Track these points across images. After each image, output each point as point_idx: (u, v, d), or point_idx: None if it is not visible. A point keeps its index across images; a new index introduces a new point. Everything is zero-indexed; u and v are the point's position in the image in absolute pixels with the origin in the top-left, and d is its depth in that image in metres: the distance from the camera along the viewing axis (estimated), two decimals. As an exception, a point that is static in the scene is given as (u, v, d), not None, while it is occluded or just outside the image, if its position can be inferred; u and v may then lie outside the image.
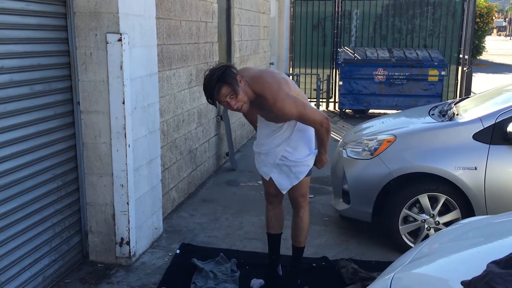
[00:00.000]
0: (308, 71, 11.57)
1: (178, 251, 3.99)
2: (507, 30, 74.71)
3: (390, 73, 9.85)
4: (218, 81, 2.76)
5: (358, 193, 4.14)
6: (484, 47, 25.59)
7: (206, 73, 2.85)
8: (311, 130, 3.26)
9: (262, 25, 8.94)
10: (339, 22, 11.49)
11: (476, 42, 21.77)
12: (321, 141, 3.20)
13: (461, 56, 11.22)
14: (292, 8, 11.76)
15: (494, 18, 27.27)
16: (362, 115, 10.04)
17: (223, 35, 6.68)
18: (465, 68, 10.83)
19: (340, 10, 11.45)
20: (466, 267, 1.83)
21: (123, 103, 3.52)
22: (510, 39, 63.49)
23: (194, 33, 5.31)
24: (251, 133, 8.27)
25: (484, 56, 27.62)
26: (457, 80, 11.22)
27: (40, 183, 3.30)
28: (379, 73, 9.88)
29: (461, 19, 11.14)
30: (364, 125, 4.98)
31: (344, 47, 10.92)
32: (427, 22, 11.32)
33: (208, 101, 2.90)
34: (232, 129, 6.87)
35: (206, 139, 5.95)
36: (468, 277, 1.61)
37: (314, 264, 3.80)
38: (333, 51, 11.55)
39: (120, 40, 3.43)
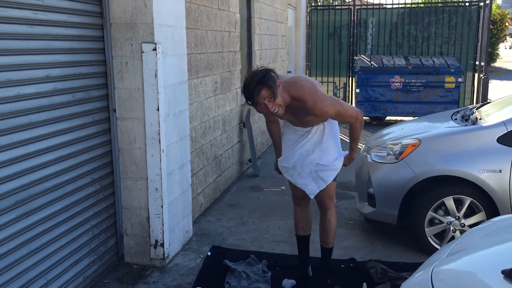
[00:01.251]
0: (325, 79, 11.69)
1: (209, 253, 4.10)
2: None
3: (406, 80, 9.93)
4: (259, 84, 2.90)
5: (383, 196, 4.23)
6: (498, 54, 25.54)
7: (247, 75, 2.99)
8: (337, 133, 3.38)
9: (280, 34, 9.09)
10: (355, 31, 11.62)
11: (490, 49, 21.75)
12: (355, 137, 3.32)
13: (477, 63, 11.27)
14: (308, 17, 11.92)
15: (507, 25, 27.22)
16: (379, 122, 10.12)
17: (244, 44, 6.83)
18: (481, 75, 10.87)
19: (356, 18, 11.58)
20: (500, 260, 1.92)
21: (158, 110, 3.66)
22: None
23: (219, 43, 5.46)
24: (269, 142, 8.39)
25: (498, 63, 27.54)
26: (474, 86, 11.26)
27: (80, 187, 3.45)
28: (395, 81, 9.96)
29: (477, 26, 11.20)
30: (385, 131, 5.07)
31: (360, 55, 11.03)
32: (443, 29, 11.40)
33: (247, 102, 3.03)
34: (254, 136, 6.99)
35: (230, 146, 6.08)
36: (506, 268, 1.71)
37: (342, 266, 3.89)
38: (349, 59, 11.67)
39: (155, 49, 3.58)
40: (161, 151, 3.74)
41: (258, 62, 7.40)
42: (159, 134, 3.70)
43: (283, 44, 9.36)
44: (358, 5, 11.78)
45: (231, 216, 5.05)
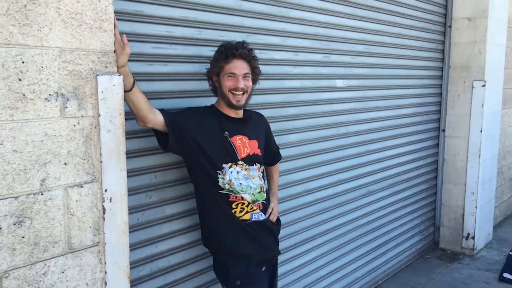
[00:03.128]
0: None
1: (510, 253, 4.94)
2: None
3: None
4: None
5: None
6: None
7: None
8: None
9: None
10: None
11: None
12: None
13: None
14: None
15: None
16: None
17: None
18: None
19: None
20: None
21: (481, 131, 4.75)
22: None
23: (522, 79, 6.22)
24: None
25: None
26: None
27: (414, 185, 4.74)
28: None
29: None
30: None
31: None
32: None
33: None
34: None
35: (522, 171, 6.69)
36: None
37: None
38: None
39: (484, 85, 4.70)
40: (480, 164, 4.80)
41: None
42: (479, 150, 4.78)
43: None
44: None
45: (525, 231, 5.73)
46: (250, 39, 2.68)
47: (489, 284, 4.32)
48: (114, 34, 1.75)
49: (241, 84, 2.19)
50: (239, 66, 2.19)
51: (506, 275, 4.44)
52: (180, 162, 2.38)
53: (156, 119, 2.04)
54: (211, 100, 2.38)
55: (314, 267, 3.45)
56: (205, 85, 2.38)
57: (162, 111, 2.08)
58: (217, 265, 2.37)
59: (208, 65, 2.31)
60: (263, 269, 2.31)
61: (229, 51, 2.17)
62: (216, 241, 2.30)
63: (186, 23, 2.37)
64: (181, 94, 2.38)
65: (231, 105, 2.22)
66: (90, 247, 1.73)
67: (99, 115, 1.71)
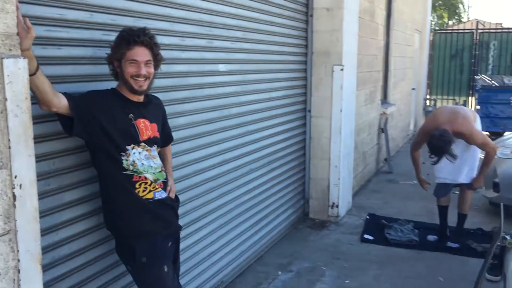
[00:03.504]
0: (445, 96, 12.75)
1: (367, 217, 5.64)
2: None
3: (527, 99, 10.73)
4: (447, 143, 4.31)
5: (506, 184, 5.48)
6: None
7: (435, 139, 4.32)
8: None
9: (408, 56, 10.45)
10: (477, 52, 12.57)
11: None
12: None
13: None
14: (432, 40, 13.09)
15: None
16: (498, 137, 10.99)
17: (382, 65, 8.33)
18: None
19: (478, 41, 12.54)
20: None
21: (341, 111, 5.32)
22: None
23: (370, 64, 7.04)
24: (397, 147, 9.75)
25: None
26: None
27: (287, 162, 5.15)
28: (516, 99, 10.80)
29: None
30: (506, 136, 6.30)
31: (481, 75, 11.98)
32: None
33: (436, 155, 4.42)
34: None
35: (372, 146, 7.59)
36: None
37: (472, 232, 5.21)
38: (470, 78, 12.63)
39: (342, 69, 5.25)
40: (341, 140, 5.37)
41: (392, 80, 8.85)
42: (340, 127, 5.34)
43: (410, 64, 10.69)
44: (481, 29, 12.72)
45: (376, 198, 6.56)
46: (140, 23, 2.71)
47: (353, 244, 4.91)
48: (17, 16, 1.69)
49: (143, 71, 2.25)
50: (141, 53, 2.24)
51: (366, 236, 5.08)
52: (77, 148, 2.36)
53: (61, 103, 2.02)
54: (109, 84, 2.39)
55: (205, 244, 3.62)
56: (101, 69, 2.38)
57: (66, 94, 2.06)
58: (120, 246, 2.41)
59: (104, 49, 2.31)
60: (170, 244, 2.42)
61: (130, 38, 2.21)
62: (120, 222, 2.34)
63: (78, 5, 2.33)
64: (78, 78, 2.35)
65: (133, 91, 2.27)
66: (1, 235, 1.68)
67: (6, 100, 1.65)
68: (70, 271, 2.40)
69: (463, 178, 4.75)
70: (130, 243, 2.35)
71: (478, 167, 4.75)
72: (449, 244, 4.86)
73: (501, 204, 3.48)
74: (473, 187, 4.79)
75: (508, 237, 3.07)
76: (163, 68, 2.99)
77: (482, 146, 4.59)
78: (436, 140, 4.37)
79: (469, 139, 4.53)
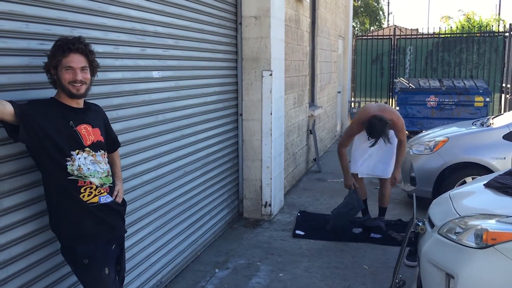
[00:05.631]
0: (368, 99, 13.49)
1: (298, 214, 5.95)
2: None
3: (440, 100, 11.61)
4: (385, 124, 4.74)
5: (422, 178, 5.99)
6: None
7: (375, 120, 4.74)
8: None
9: (333, 61, 10.98)
10: (395, 57, 13.42)
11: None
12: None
13: (503, 85, 12.85)
14: (354, 46, 13.79)
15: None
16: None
17: (309, 69, 8.74)
18: (507, 96, 12.44)
19: (396, 46, 13.38)
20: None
21: (271, 114, 5.58)
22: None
23: (297, 69, 7.38)
24: (325, 148, 10.22)
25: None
26: (501, 105, 12.83)
27: (221, 164, 5.34)
28: (431, 100, 11.65)
29: (503, 53, 12.83)
30: (422, 134, 6.85)
31: (400, 78, 12.80)
32: (473, 56, 13.08)
33: (382, 137, 4.81)
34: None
35: (301, 147, 7.95)
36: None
37: (392, 223, 5.65)
38: (389, 81, 13.45)
39: (271, 74, 5.51)
40: (271, 141, 5.64)
41: (319, 84, 9.29)
42: (271, 130, 5.61)
43: (335, 69, 11.25)
44: (398, 35, 13.59)
45: (307, 195, 6.90)
46: (75, 32, 2.79)
47: (286, 240, 5.18)
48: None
49: (79, 76, 2.35)
50: (76, 60, 2.34)
51: (297, 231, 5.37)
52: (16, 154, 2.42)
53: (5, 109, 2.09)
54: (45, 92, 2.46)
55: (143, 245, 3.71)
56: (37, 77, 2.44)
57: (11, 102, 2.13)
58: (64, 248, 2.49)
59: (40, 58, 2.38)
60: (113, 246, 2.53)
61: (65, 46, 2.31)
62: (63, 224, 2.42)
63: (14, 16, 2.39)
64: (14, 87, 2.40)
65: (72, 95, 2.36)
66: None
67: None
68: (12, 275, 2.44)
69: (380, 171, 5.21)
70: (73, 245, 2.43)
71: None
72: (372, 235, 5.25)
73: (413, 194, 3.86)
74: (396, 179, 5.22)
75: (420, 224, 3.44)
76: (98, 75, 3.10)
77: (402, 135, 5.05)
78: (377, 121, 4.77)
79: (397, 126, 4.95)
